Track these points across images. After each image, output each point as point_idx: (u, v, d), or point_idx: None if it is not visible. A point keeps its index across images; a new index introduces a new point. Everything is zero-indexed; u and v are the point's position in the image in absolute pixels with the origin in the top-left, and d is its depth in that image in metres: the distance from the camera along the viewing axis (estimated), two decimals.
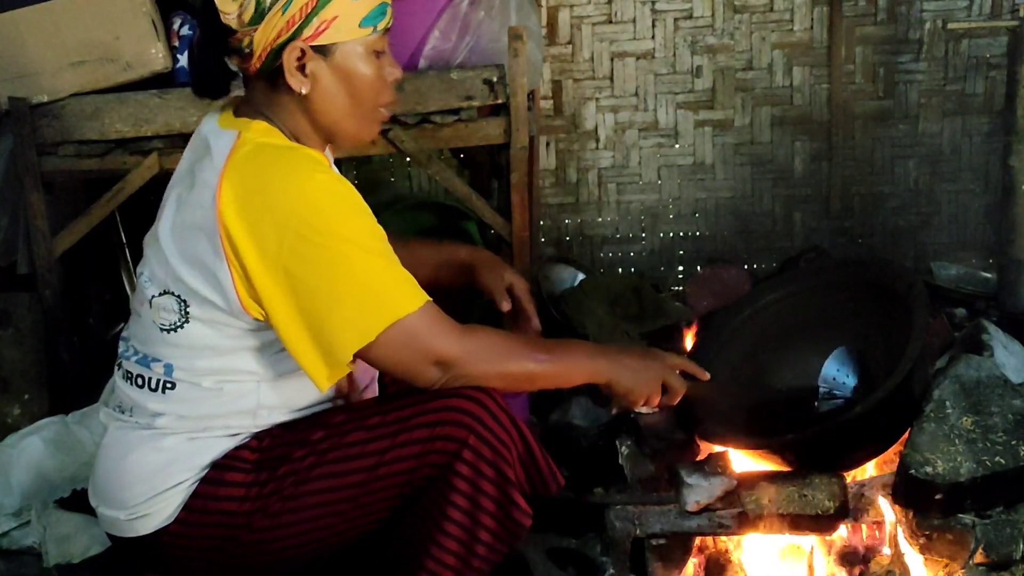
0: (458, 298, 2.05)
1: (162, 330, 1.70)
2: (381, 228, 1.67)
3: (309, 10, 1.65)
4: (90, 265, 3.22)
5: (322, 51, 1.68)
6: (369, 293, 1.61)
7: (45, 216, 2.72)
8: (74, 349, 2.82)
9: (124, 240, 3.39)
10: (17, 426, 2.69)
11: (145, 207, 3.30)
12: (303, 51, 1.67)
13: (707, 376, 1.96)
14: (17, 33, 2.64)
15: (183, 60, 2.71)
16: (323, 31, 1.66)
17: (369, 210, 1.68)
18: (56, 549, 2.30)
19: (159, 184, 3.10)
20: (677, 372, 1.91)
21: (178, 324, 1.69)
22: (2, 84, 2.66)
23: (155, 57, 2.67)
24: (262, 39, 1.67)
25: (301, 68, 1.68)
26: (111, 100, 2.68)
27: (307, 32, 1.66)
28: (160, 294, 1.70)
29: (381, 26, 1.71)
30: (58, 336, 2.79)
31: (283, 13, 1.64)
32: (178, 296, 1.68)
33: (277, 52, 1.67)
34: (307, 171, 1.64)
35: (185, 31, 2.71)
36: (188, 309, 1.68)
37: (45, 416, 2.67)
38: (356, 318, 1.61)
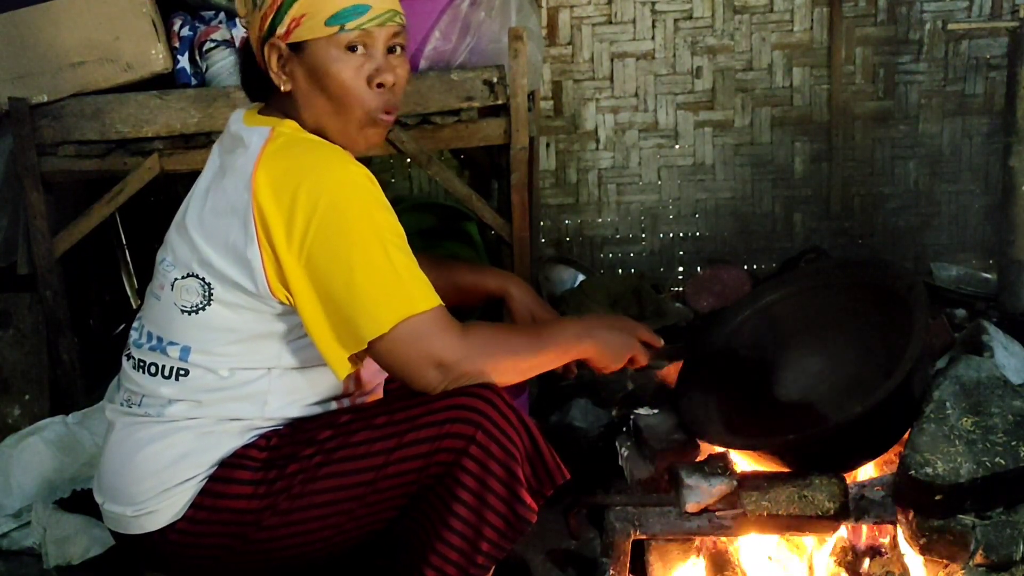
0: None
1: (183, 312, 1.72)
2: (402, 228, 1.70)
3: (277, 7, 1.70)
4: (90, 265, 3.22)
5: (296, 49, 1.72)
6: (387, 285, 1.64)
7: (45, 216, 2.72)
8: (74, 350, 2.82)
9: (124, 240, 3.39)
10: (17, 426, 2.69)
11: (145, 207, 3.33)
12: (280, 49, 1.72)
13: (660, 343, 2.03)
14: (17, 33, 2.64)
15: (183, 61, 2.71)
16: (293, 29, 1.71)
17: (392, 209, 1.71)
18: (56, 550, 2.30)
19: (159, 185, 3.13)
20: (640, 343, 1.99)
21: (200, 306, 1.71)
22: (2, 84, 2.66)
23: (155, 58, 2.67)
24: (252, 37, 1.75)
25: (283, 67, 1.73)
26: (111, 100, 2.68)
27: (280, 30, 1.71)
28: (183, 276, 1.73)
29: (352, 25, 1.71)
30: (58, 337, 2.79)
31: (259, 10, 1.72)
32: (202, 279, 1.71)
33: (261, 50, 1.73)
34: (341, 162, 1.68)
35: (185, 32, 2.71)
36: (212, 292, 1.70)
37: (46, 417, 2.67)
38: (373, 307, 1.63)
